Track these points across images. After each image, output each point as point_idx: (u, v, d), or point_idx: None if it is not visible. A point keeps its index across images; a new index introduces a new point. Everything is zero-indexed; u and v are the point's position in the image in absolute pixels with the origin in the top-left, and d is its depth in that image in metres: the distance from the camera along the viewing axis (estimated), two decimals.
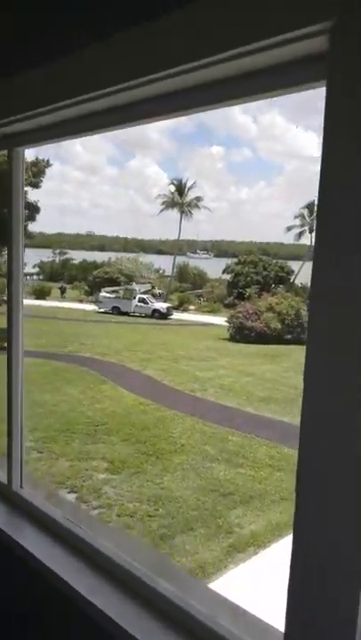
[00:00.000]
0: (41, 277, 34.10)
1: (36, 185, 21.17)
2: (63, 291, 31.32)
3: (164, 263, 39.00)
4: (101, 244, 39.37)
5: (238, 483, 9.92)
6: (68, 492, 9.34)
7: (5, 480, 2.43)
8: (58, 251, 36.96)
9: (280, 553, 7.97)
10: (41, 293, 29.81)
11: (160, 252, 40.88)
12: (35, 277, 33.69)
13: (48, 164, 20.70)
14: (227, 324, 24.81)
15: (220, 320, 26.38)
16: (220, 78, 1.33)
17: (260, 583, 7.26)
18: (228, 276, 37.13)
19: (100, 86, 1.53)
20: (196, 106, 1.46)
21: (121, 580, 1.72)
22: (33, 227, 22.15)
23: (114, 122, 1.73)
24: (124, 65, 1.43)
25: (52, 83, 1.69)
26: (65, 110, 1.74)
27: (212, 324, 26.80)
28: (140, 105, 1.58)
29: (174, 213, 37.65)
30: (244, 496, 9.46)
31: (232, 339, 23.76)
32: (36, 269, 34.61)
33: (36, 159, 21.10)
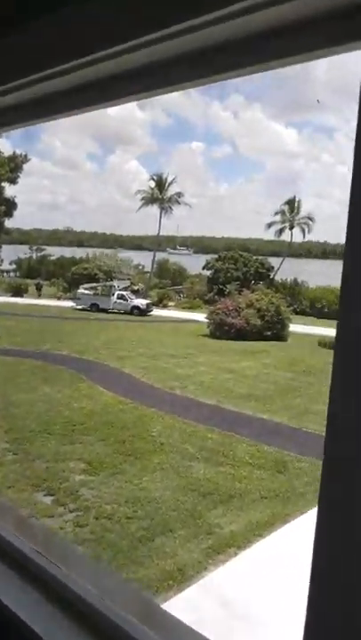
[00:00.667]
0: (18, 274, 33.55)
1: (13, 180, 20.75)
2: (39, 288, 30.87)
3: (144, 259, 38.77)
4: (80, 239, 38.94)
5: (218, 482, 9.80)
6: (45, 495, 9.10)
7: None
8: (35, 247, 36.45)
9: (260, 554, 7.88)
10: (17, 290, 29.33)
11: (139, 248, 40.65)
12: (11, 274, 33.16)
13: (26, 159, 20.29)
14: (207, 320, 24.74)
15: (200, 316, 26.29)
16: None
17: (239, 587, 7.15)
18: (208, 272, 37.11)
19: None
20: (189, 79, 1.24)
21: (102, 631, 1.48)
22: (10, 223, 21.72)
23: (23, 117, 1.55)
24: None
25: None
26: None
27: (192, 321, 26.69)
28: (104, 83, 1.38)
29: (154, 209, 37.43)
30: (224, 495, 9.33)
31: (212, 335, 23.68)
32: (13, 266, 34.06)
33: (14, 154, 20.67)
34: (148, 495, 9.26)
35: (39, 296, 29.98)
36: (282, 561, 7.73)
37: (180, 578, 7.33)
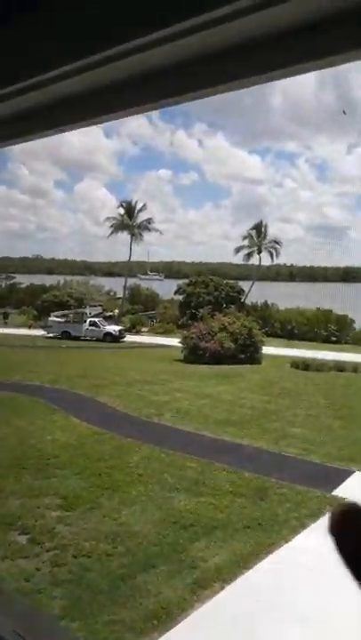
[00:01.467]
0: None
1: None
2: (6, 316, 30.26)
3: (115, 285, 38.61)
4: (50, 267, 38.62)
5: (199, 513, 9.55)
6: (19, 534, 8.69)
7: None
8: (4, 275, 35.93)
9: (246, 587, 7.63)
10: None
11: (110, 275, 40.50)
12: None
13: None
14: (180, 345, 24.62)
15: (174, 341, 26.16)
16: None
17: (226, 624, 6.89)
18: (180, 297, 37.17)
19: None
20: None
21: None
22: None
23: None
24: None
25: None
26: None
27: (166, 346, 26.53)
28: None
29: (124, 235, 37.48)
30: (207, 527, 9.08)
31: (186, 360, 23.55)
32: None
33: None
34: (127, 530, 8.94)
35: (5, 324, 29.34)
36: (269, 593, 7.52)
37: (165, 617, 7.02)
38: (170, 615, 7.07)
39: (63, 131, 1.58)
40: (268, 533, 8.94)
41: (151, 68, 1.12)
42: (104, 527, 9.01)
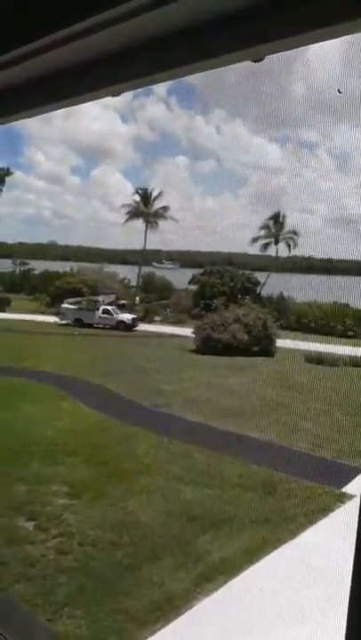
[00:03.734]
0: (0, 289, 32.99)
1: None
2: (7, 303, 29.80)
3: (129, 273, 38.50)
4: (64, 253, 38.60)
5: (206, 505, 9.50)
6: (26, 520, 8.72)
7: None
8: (19, 261, 35.96)
9: (250, 582, 7.58)
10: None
11: (125, 262, 40.39)
12: None
13: (9, 173, 19.98)
14: (193, 335, 24.48)
15: (187, 331, 26.03)
16: None
17: (229, 617, 6.84)
18: (194, 287, 36.94)
19: None
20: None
21: None
22: None
23: None
24: None
25: None
26: None
27: (179, 336, 26.41)
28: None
29: (139, 223, 37.28)
30: (213, 520, 9.03)
31: (199, 350, 23.41)
32: None
33: None
34: (134, 520, 8.94)
35: (3, 311, 29.04)
36: (273, 590, 7.45)
37: (169, 608, 7.00)
38: (173, 607, 7.05)
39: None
40: (274, 529, 8.86)
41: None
42: (110, 516, 9.01)
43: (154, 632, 6.63)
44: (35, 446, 11.34)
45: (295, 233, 42.61)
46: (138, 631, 6.64)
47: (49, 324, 26.86)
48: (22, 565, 7.57)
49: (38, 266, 35.75)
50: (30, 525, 8.56)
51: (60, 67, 1.26)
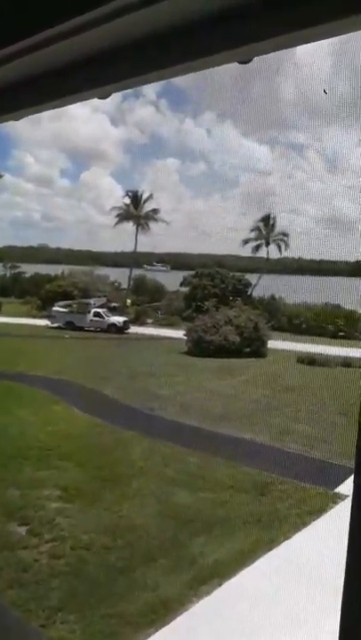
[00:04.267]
0: None
1: None
2: None
3: (120, 276, 38.47)
4: (55, 256, 38.50)
5: (200, 508, 9.50)
6: (19, 525, 8.67)
7: None
8: (9, 264, 35.84)
9: (244, 584, 7.58)
10: None
11: (116, 265, 40.34)
12: None
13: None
14: (185, 337, 24.49)
15: (179, 333, 26.04)
16: None
17: (223, 619, 6.84)
18: (185, 289, 36.98)
19: None
20: None
21: None
22: None
23: None
24: None
25: None
26: None
27: (171, 338, 26.41)
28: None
29: (130, 225, 37.27)
30: (206, 522, 9.04)
31: (191, 353, 23.42)
32: None
33: None
34: (127, 523, 8.92)
35: None
36: (267, 591, 7.46)
37: (163, 611, 6.99)
38: (168, 610, 7.04)
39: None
40: (268, 530, 8.88)
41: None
42: (104, 520, 8.99)
43: (148, 636, 6.61)
44: (28, 450, 11.29)
45: (286, 234, 42.71)
46: (132, 635, 6.62)
47: (40, 327, 26.78)
48: (15, 571, 7.53)
49: (29, 269, 35.66)
50: (23, 530, 8.52)
51: (48, 67, 1.26)
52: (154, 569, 7.86)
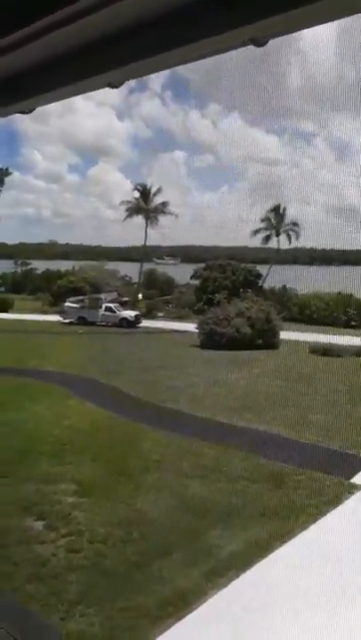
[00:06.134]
0: (3, 289, 33.13)
1: None
2: (10, 303, 29.90)
3: (131, 270, 38.51)
4: (65, 252, 38.63)
5: (215, 499, 9.48)
6: (35, 520, 8.71)
7: None
8: (20, 261, 36.06)
9: (261, 575, 7.56)
10: (2, 306, 28.86)
11: (125, 259, 40.37)
12: None
13: (7, 173, 19.90)
14: (197, 330, 24.46)
15: (190, 326, 26.01)
16: None
17: (241, 611, 6.82)
18: (196, 282, 36.90)
19: None
20: None
21: None
22: None
23: None
24: None
25: None
26: None
27: (182, 331, 26.39)
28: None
29: (139, 220, 37.22)
30: (222, 514, 9.01)
31: (203, 345, 23.38)
32: None
33: None
34: (143, 517, 8.92)
35: (6, 311, 29.02)
36: (284, 581, 7.44)
37: (181, 604, 6.99)
38: (185, 602, 7.03)
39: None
40: (284, 521, 8.84)
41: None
42: (120, 513, 9.00)
43: (167, 627, 6.62)
44: (42, 445, 11.34)
45: (296, 224, 42.38)
46: (151, 627, 6.63)
47: (52, 323, 26.91)
48: (33, 565, 7.57)
49: (40, 265, 35.84)
50: (40, 525, 8.55)
51: (59, 51, 1.21)
52: (170, 561, 7.86)
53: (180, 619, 6.75)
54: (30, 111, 1.56)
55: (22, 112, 1.55)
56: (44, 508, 8.98)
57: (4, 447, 10.99)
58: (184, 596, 7.12)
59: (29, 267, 36.45)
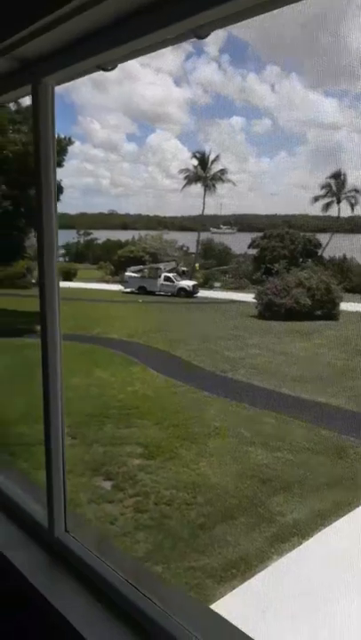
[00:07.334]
0: (67, 259, 33.92)
1: (59, 164, 20.65)
2: (73, 272, 30.66)
3: (188, 240, 38.38)
4: (124, 222, 38.91)
5: (277, 468, 9.57)
6: (104, 480, 9.12)
7: (45, 522, 1.85)
8: (82, 231, 36.67)
9: (324, 543, 7.64)
10: (67, 274, 29.65)
11: (183, 229, 40.24)
12: (61, 259, 33.56)
13: (70, 142, 20.10)
14: (255, 300, 24.27)
15: (248, 297, 25.85)
16: None
17: (304, 577, 6.95)
18: (253, 251, 36.37)
19: None
20: None
21: None
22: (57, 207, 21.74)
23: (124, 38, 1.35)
24: None
25: None
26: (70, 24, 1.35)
27: (240, 302, 26.29)
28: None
29: (196, 188, 36.86)
30: (284, 482, 9.11)
31: (261, 316, 23.23)
32: (62, 251, 34.44)
33: (58, 136, 20.63)
34: (206, 481, 9.15)
35: (70, 280, 29.69)
36: (347, 550, 7.48)
37: (244, 567, 7.19)
38: (249, 565, 7.24)
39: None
40: (347, 492, 8.84)
41: None
42: (183, 477, 9.26)
43: (231, 588, 6.85)
44: (108, 410, 11.75)
45: (358, 191, 40.74)
46: (216, 587, 6.88)
47: (114, 292, 27.42)
48: (102, 523, 7.97)
49: (100, 235, 36.35)
50: (108, 485, 8.94)
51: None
52: (233, 526, 8.06)
53: (244, 581, 6.97)
54: (113, 68, 1.58)
55: (104, 69, 1.58)
56: (112, 469, 9.37)
57: (73, 411, 11.46)
58: (248, 560, 7.33)
59: (91, 237, 37.04)
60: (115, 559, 1.64)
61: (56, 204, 1.77)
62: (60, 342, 1.81)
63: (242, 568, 7.19)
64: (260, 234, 37.16)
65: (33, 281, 27.09)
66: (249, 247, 37.54)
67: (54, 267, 1.77)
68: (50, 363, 1.83)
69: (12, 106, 18.77)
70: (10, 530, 1.91)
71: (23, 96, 1.80)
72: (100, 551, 1.68)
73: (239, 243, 39.52)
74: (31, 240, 23.33)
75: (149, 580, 1.59)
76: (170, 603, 1.46)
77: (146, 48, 1.41)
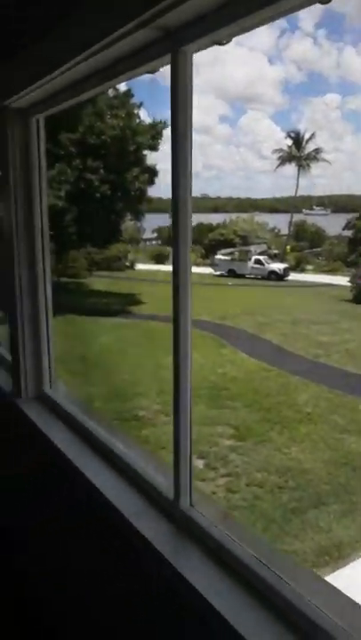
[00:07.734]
0: (159, 242, 34.56)
1: (154, 147, 20.99)
2: (165, 255, 31.21)
3: (279, 222, 37.63)
4: (215, 205, 38.89)
5: None
6: (197, 458, 9.31)
7: (172, 494, 1.88)
8: (170, 214, 37.25)
9: None
10: (159, 258, 30.24)
11: (274, 211, 39.49)
12: (153, 242, 34.27)
13: (165, 125, 20.31)
14: (349, 284, 23.44)
15: (342, 280, 24.99)
16: None
17: None
18: (348, 233, 34.98)
19: None
20: None
21: None
22: (152, 191, 22.13)
23: None
24: None
25: None
26: None
27: (333, 285, 25.47)
28: None
29: (288, 169, 35.97)
30: None
31: (356, 300, 22.39)
32: (155, 234, 35.11)
33: (153, 121, 20.94)
34: (298, 466, 9.06)
35: (162, 263, 30.11)
36: None
37: (337, 554, 7.09)
38: (342, 553, 7.12)
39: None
40: None
41: None
42: (275, 460, 9.23)
43: (324, 575, 6.78)
44: (200, 390, 11.89)
45: None
46: None
47: (204, 275, 27.58)
48: None
49: (193, 218, 36.75)
50: (201, 463, 9.12)
51: None
52: (326, 513, 7.93)
53: (337, 568, 6.88)
54: (227, 42, 1.57)
55: (219, 43, 1.57)
56: (204, 448, 9.53)
57: (167, 389, 11.76)
58: (341, 547, 7.21)
59: None
60: (241, 536, 1.69)
61: (191, 186, 1.80)
62: (190, 331, 1.84)
63: (334, 555, 7.10)
64: (356, 215, 35.63)
65: (127, 264, 27.96)
66: (344, 229, 36.15)
67: (188, 250, 1.80)
68: (181, 351, 1.87)
69: (111, 92, 19.24)
70: (138, 502, 2.02)
71: (160, 66, 1.85)
72: (226, 527, 1.74)
73: (333, 224, 38.14)
74: (126, 224, 24.05)
75: (280, 560, 1.61)
76: (306, 587, 1.47)
77: (272, 16, 1.39)
